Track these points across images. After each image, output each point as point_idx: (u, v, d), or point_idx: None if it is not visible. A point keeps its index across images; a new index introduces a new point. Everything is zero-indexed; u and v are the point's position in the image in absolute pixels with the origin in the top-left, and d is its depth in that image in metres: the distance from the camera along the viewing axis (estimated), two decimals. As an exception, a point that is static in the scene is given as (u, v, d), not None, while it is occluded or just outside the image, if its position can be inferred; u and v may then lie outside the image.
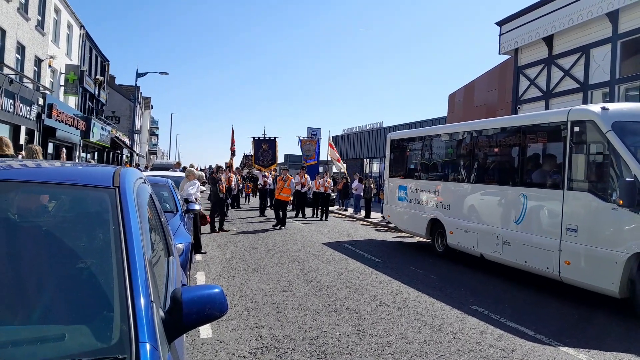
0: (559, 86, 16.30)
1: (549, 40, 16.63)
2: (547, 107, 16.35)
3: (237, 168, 27.95)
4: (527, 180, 8.95)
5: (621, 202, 6.68)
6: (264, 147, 26.30)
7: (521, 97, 18.10)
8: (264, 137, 26.88)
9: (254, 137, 26.78)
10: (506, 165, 9.98)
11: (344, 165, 24.83)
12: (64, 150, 23.09)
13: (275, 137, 26.74)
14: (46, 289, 1.84)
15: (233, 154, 27.38)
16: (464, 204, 10.64)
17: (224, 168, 21.47)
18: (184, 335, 2.35)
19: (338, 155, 24.95)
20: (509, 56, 19.94)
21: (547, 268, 8.05)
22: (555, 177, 8.18)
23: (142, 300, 1.70)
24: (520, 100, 18.11)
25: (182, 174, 12.22)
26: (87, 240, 2.11)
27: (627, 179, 6.62)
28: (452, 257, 11.22)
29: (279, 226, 15.76)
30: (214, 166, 26.47)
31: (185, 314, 1.86)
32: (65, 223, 2.26)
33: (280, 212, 15.95)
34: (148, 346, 1.58)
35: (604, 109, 7.43)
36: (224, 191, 14.28)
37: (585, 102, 14.89)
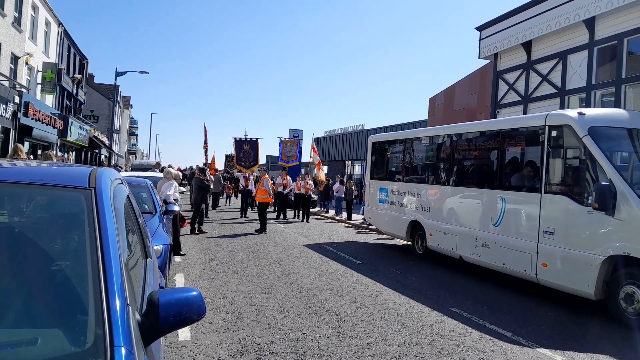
0: (537, 91, 16.56)
1: (527, 46, 16.89)
2: (525, 112, 16.60)
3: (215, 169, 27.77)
4: (505, 184, 9.07)
5: (597, 205, 6.80)
6: (246, 148, 26.19)
7: (500, 101, 18.34)
8: (246, 138, 26.77)
9: (235, 138, 26.65)
10: (485, 169, 10.10)
11: (323, 172, 24.84)
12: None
13: (257, 138, 26.67)
14: (18, 292, 1.80)
15: (206, 152, 27.24)
16: (444, 207, 10.73)
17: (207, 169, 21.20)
18: (162, 338, 2.32)
19: (319, 159, 25.00)
20: (488, 61, 20.18)
21: (525, 270, 8.16)
22: (533, 181, 8.31)
23: (118, 303, 1.67)
24: (500, 105, 18.35)
25: (162, 175, 12.06)
26: (62, 241, 2.07)
27: (602, 183, 6.75)
28: (432, 259, 11.30)
29: (261, 232, 14.99)
30: (194, 167, 26.22)
31: (162, 317, 1.83)
32: (39, 224, 2.21)
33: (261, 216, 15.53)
34: (123, 350, 1.55)
35: (580, 114, 7.57)
36: (209, 193, 14.13)
37: (562, 107, 15.15)
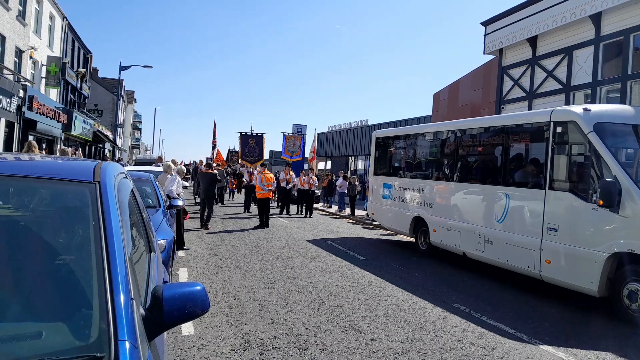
0: (542, 87, 16.48)
1: (533, 41, 16.79)
2: (530, 108, 16.53)
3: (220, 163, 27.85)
4: (509, 180, 9.04)
5: (601, 202, 6.78)
6: (251, 143, 26.19)
7: (505, 97, 18.27)
8: (252, 133, 26.77)
9: (241, 133, 26.64)
10: (489, 165, 10.07)
11: (315, 166, 24.99)
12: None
13: (262, 134, 26.67)
14: (23, 286, 1.80)
15: (214, 147, 27.30)
16: (447, 203, 10.71)
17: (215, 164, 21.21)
18: (165, 332, 2.32)
19: (313, 155, 25.20)
20: (493, 56, 20.09)
21: (528, 267, 8.14)
22: (537, 177, 8.28)
23: (122, 298, 1.67)
24: (504, 100, 18.27)
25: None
26: (66, 235, 2.07)
27: (607, 179, 6.73)
28: (435, 255, 11.30)
29: (261, 227, 14.98)
30: (198, 161, 26.25)
31: (166, 311, 1.83)
32: (44, 218, 2.21)
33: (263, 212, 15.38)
34: (127, 344, 1.55)
35: (585, 110, 7.52)
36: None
37: (567, 103, 15.08)
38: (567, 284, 7.54)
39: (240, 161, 27.37)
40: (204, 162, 20.32)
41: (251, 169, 22.94)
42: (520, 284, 8.75)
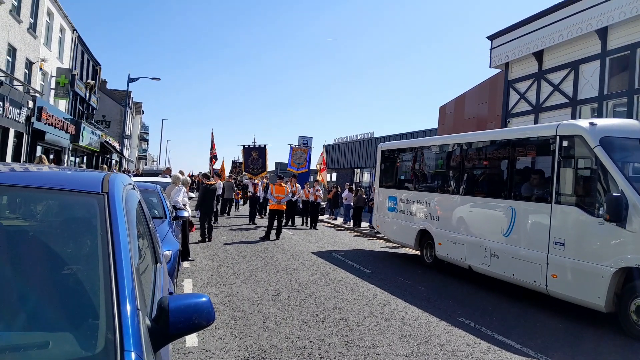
0: (548, 101, 16.49)
1: (539, 55, 16.84)
2: (536, 121, 16.52)
3: (229, 175, 27.93)
4: (515, 193, 9.01)
5: (608, 216, 6.75)
6: (254, 155, 26.28)
7: (511, 110, 18.28)
8: (254, 145, 26.87)
9: (244, 145, 26.77)
10: (495, 178, 10.05)
11: (325, 177, 24.91)
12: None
13: (265, 145, 26.75)
14: (31, 295, 1.82)
15: (214, 159, 27.37)
16: (453, 216, 10.68)
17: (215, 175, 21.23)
18: (170, 343, 2.33)
19: (324, 166, 25.13)
20: (499, 70, 20.14)
21: (535, 281, 8.09)
22: (544, 191, 8.26)
23: (129, 308, 1.68)
24: (510, 114, 18.28)
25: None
26: (74, 246, 2.09)
27: (613, 194, 6.70)
28: (441, 269, 11.24)
29: (267, 239, 15.02)
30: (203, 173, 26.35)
31: (172, 322, 1.84)
32: (52, 228, 2.23)
33: (275, 222, 15.34)
34: (133, 355, 1.56)
35: (592, 124, 7.52)
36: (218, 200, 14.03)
37: (574, 117, 15.07)
38: (573, 298, 7.48)
39: (244, 173, 27.43)
40: (211, 173, 20.31)
41: (255, 181, 23.00)
42: (527, 299, 8.69)
